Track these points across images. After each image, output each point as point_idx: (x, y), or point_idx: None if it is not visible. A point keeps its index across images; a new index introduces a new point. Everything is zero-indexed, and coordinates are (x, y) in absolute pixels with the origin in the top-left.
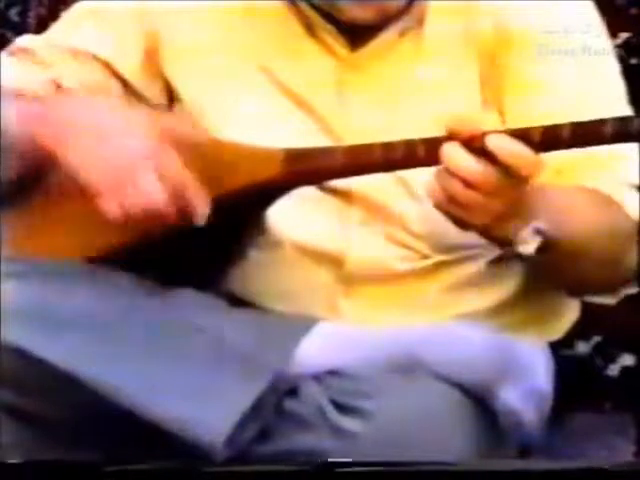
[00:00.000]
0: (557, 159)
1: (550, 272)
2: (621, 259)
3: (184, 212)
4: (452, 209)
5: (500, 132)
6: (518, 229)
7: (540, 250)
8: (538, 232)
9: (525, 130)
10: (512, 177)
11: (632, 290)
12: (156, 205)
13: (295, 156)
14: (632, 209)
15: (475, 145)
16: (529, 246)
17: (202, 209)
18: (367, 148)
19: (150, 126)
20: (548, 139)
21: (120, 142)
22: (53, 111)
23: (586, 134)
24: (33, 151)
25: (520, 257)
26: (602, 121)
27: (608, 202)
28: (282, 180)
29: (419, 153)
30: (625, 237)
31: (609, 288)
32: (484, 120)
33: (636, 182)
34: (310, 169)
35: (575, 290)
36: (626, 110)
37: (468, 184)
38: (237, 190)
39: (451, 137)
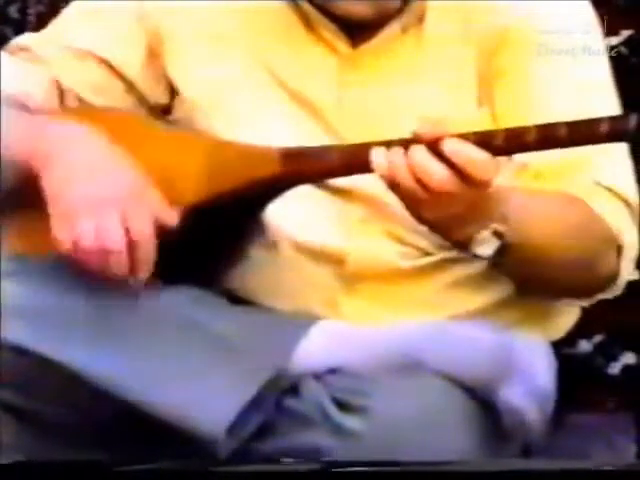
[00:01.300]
0: (536, 163)
1: (513, 274)
2: (593, 263)
3: (130, 266)
4: (406, 201)
5: (467, 135)
6: (476, 231)
7: (499, 252)
8: (496, 235)
9: (518, 130)
10: (467, 182)
11: (608, 295)
12: (108, 249)
13: (292, 155)
14: (607, 213)
15: (438, 149)
16: (487, 248)
17: (144, 274)
18: (363, 147)
19: (135, 170)
20: (542, 138)
21: (100, 179)
22: (49, 133)
23: (581, 133)
24: (22, 163)
25: (479, 259)
26: (597, 120)
27: (576, 204)
28: (279, 179)
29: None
30: (596, 240)
31: (583, 292)
32: (452, 123)
33: (612, 185)
34: (307, 168)
35: (545, 293)
36: (618, 112)
37: (428, 188)
38: (235, 189)
39: (419, 140)
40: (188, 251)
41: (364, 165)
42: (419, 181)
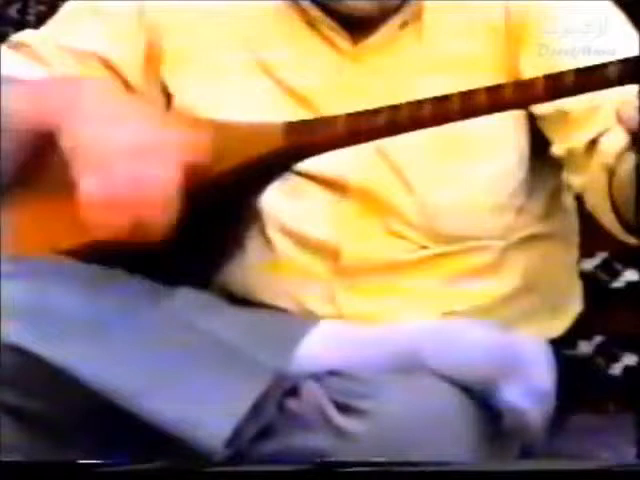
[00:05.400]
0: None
1: None
2: None
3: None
4: None
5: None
6: None
7: None
8: None
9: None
10: None
11: None
12: (132, 197)
13: (296, 127)
14: None
15: None
16: None
17: (161, 229)
18: (368, 114)
19: (157, 117)
20: (553, 87)
21: (128, 126)
22: (61, 89)
23: (591, 79)
24: (32, 132)
25: None
26: (605, 64)
27: None
28: (284, 152)
29: (424, 113)
30: None
31: None
32: None
33: None
34: (312, 139)
35: None
36: None
37: None
38: (239, 165)
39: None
40: (186, 244)
41: (369, 132)
42: None
